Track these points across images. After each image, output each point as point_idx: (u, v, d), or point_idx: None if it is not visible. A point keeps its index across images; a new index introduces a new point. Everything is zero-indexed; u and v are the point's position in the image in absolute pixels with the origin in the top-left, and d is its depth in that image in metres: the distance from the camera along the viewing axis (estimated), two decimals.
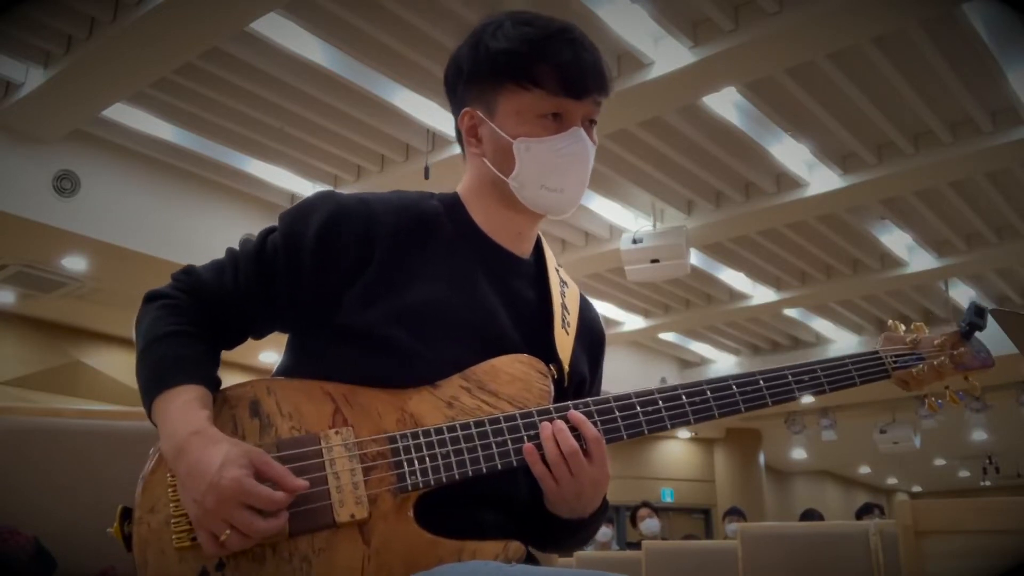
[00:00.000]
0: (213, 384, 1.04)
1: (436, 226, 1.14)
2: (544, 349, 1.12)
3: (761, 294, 8.57)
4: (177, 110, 5.41)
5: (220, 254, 1.15)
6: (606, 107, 1.18)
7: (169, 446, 0.97)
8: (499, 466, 1.02)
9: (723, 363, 10.65)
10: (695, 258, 7.32)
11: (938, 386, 1.22)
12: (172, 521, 0.95)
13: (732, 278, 8.33)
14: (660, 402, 1.08)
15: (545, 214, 1.17)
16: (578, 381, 1.19)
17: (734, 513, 7.61)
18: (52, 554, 1.32)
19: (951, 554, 2.08)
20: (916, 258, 7.61)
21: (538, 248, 1.24)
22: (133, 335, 1.09)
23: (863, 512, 6.95)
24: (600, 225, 7.17)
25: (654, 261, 6.36)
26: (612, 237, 7.15)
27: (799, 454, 12.94)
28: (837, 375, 1.16)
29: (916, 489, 19.68)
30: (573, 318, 1.20)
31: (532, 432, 1.03)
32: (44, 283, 6.54)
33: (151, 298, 1.11)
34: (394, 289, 1.08)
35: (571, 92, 1.10)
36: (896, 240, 7.43)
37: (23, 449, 1.48)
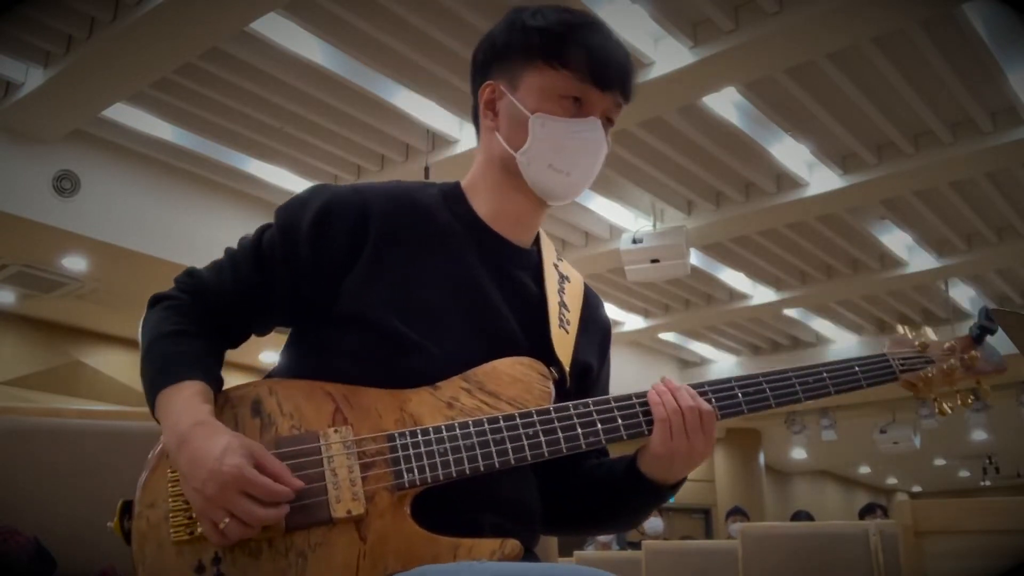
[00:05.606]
0: (216, 381, 1.06)
1: (432, 213, 1.15)
2: (544, 348, 1.12)
3: (761, 294, 8.57)
4: (177, 110, 5.40)
5: (220, 254, 1.17)
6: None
7: (171, 438, 0.98)
8: (497, 465, 1.02)
9: (723, 363, 10.64)
10: (695, 258, 7.31)
11: (947, 390, 1.20)
12: (170, 516, 0.96)
13: (732, 278, 8.33)
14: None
15: (545, 198, 1.16)
16: (580, 374, 1.18)
17: (737, 512, 7.59)
18: (52, 554, 1.32)
19: (951, 554, 2.07)
20: (916, 258, 7.62)
21: (537, 241, 1.23)
22: (138, 336, 1.11)
23: (866, 512, 6.96)
24: (600, 225, 7.17)
25: (654, 261, 6.35)
26: (612, 237, 7.14)
27: (799, 454, 12.93)
28: (843, 378, 1.15)
29: (916, 489, 19.68)
30: (574, 315, 1.19)
31: (530, 431, 1.04)
32: (44, 283, 6.53)
33: (155, 301, 1.13)
34: (390, 276, 1.09)
35: (597, 80, 1.10)
36: (896, 240, 7.43)
37: (23, 449, 1.48)
